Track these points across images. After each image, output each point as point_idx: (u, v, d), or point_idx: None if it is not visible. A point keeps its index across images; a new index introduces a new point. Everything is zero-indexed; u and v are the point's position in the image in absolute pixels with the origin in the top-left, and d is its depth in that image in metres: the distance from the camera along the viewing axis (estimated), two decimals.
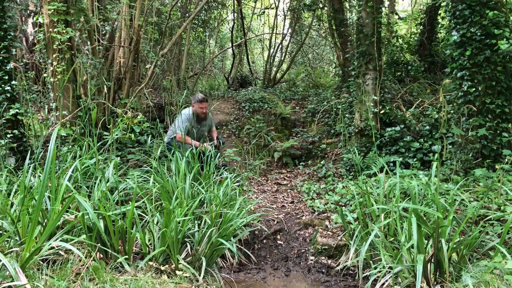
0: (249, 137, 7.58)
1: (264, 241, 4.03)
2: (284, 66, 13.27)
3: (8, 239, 2.67)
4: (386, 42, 7.92)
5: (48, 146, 2.74)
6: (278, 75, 12.73)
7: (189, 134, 5.23)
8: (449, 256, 2.69)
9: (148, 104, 7.40)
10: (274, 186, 5.81)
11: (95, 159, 4.04)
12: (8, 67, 4.70)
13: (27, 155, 3.76)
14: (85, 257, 2.65)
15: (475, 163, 4.38)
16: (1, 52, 4.64)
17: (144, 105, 7.49)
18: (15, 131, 4.66)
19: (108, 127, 5.01)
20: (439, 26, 8.28)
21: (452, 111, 4.79)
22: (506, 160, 3.70)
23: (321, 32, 13.48)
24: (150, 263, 2.91)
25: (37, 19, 5.48)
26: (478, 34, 4.35)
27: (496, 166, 3.67)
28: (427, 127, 5.45)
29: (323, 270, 3.49)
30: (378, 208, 3.36)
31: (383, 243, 3.05)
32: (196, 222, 3.44)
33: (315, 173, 6.04)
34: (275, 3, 12.42)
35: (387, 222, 3.22)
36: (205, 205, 3.79)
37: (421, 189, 3.59)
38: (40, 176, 3.52)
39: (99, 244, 2.82)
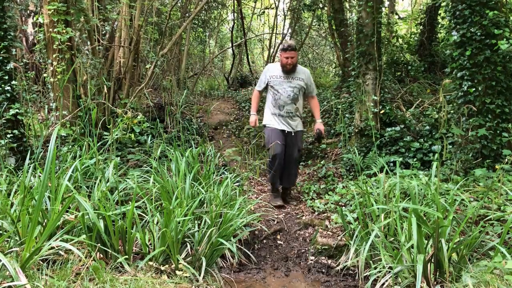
0: (249, 137, 7.59)
1: (264, 241, 4.03)
2: None
3: (8, 239, 2.67)
4: (386, 42, 7.93)
5: (48, 146, 2.75)
6: None
7: (275, 90, 4.72)
8: (449, 256, 2.69)
9: (148, 104, 7.41)
10: None
11: (95, 159, 4.05)
12: (8, 67, 4.70)
13: (27, 155, 3.77)
14: (85, 257, 2.65)
15: (475, 163, 4.38)
16: (1, 52, 4.65)
17: (144, 105, 7.49)
18: (15, 131, 4.66)
19: (108, 127, 5.01)
20: (439, 26, 8.28)
21: (452, 111, 4.79)
22: (506, 160, 3.69)
23: (321, 32, 13.48)
24: (150, 263, 2.91)
25: (37, 19, 5.48)
26: (478, 34, 4.35)
27: (496, 166, 3.67)
28: (427, 127, 5.45)
29: (323, 270, 3.49)
30: (378, 208, 3.36)
31: (383, 243, 3.05)
32: (196, 222, 3.44)
33: (315, 173, 6.04)
34: (275, 3, 12.43)
35: (387, 222, 3.21)
36: (205, 205, 3.79)
37: (421, 189, 3.59)
38: (40, 176, 3.52)
39: (99, 244, 2.82)
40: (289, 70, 4.65)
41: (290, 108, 4.74)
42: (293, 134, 4.76)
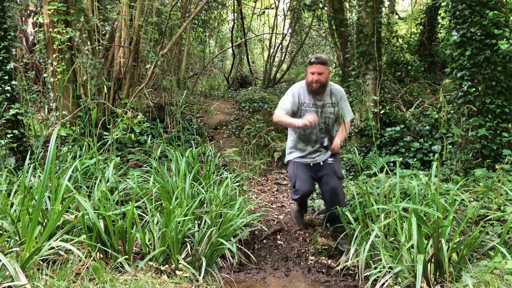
0: (249, 137, 7.59)
1: (264, 241, 4.03)
2: (284, 66, 13.27)
3: (8, 239, 2.67)
4: (386, 42, 7.93)
5: (48, 146, 2.74)
6: (278, 75, 12.74)
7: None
8: (449, 256, 2.69)
9: (148, 104, 7.41)
10: (274, 186, 5.81)
11: (95, 159, 4.05)
12: (8, 67, 4.70)
13: (27, 155, 3.76)
14: (85, 257, 2.65)
15: (475, 163, 4.38)
16: (1, 52, 4.65)
17: (144, 105, 7.49)
18: (15, 131, 4.66)
19: (108, 127, 5.01)
20: (439, 26, 8.29)
21: (452, 111, 4.79)
22: (506, 160, 3.70)
23: (321, 32, 13.48)
24: (150, 263, 2.91)
25: (37, 19, 5.49)
26: (478, 34, 4.35)
27: (496, 166, 3.67)
28: (427, 127, 5.45)
29: (323, 270, 3.49)
30: (378, 208, 3.36)
31: (383, 243, 3.04)
32: (196, 222, 3.44)
33: None
34: (275, 3, 12.43)
35: (387, 222, 3.21)
36: (205, 205, 3.79)
37: (421, 189, 3.59)
38: (40, 176, 3.52)
39: (99, 244, 2.82)
40: (315, 90, 3.52)
41: (324, 142, 3.61)
42: (321, 164, 3.71)
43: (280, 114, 3.59)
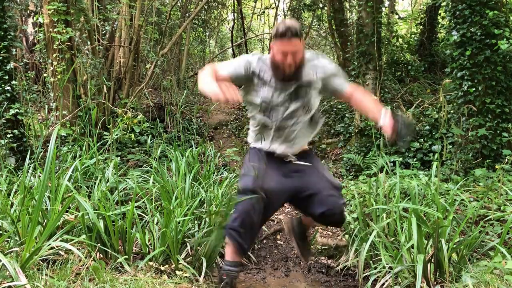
0: None
1: (264, 241, 4.02)
2: None
3: (8, 239, 2.67)
4: (386, 42, 7.93)
5: (48, 146, 2.74)
6: None
7: (260, 112, 2.44)
8: (449, 256, 2.69)
9: (148, 104, 7.41)
10: None
11: (95, 159, 4.04)
12: (8, 67, 4.70)
13: (27, 155, 3.76)
14: (85, 257, 2.65)
15: (475, 163, 4.38)
16: (1, 52, 4.65)
17: (144, 105, 7.50)
18: (15, 131, 4.66)
19: (108, 127, 5.01)
20: (439, 26, 8.30)
21: (452, 111, 4.79)
22: (506, 160, 3.70)
23: (321, 32, 13.48)
24: (150, 263, 2.91)
25: (37, 19, 5.49)
26: (478, 34, 4.35)
27: (496, 166, 3.67)
28: (427, 127, 5.45)
29: (323, 270, 3.49)
30: (378, 208, 3.36)
31: (383, 243, 3.04)
32: (196, 222, 3.44)
33: None
34: (275, 3, 12.43)
35: (387, 222, 3.21)
36: (205, 205, 3.79)
37: (421, 189, 3.59)
38: (40, 176, 3.52)
39: (99, 244, 2.81)
40: (289, 76, 2.32)
41: (298, 141, 2.54)
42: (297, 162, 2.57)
43: (208, 72, 2.24)
